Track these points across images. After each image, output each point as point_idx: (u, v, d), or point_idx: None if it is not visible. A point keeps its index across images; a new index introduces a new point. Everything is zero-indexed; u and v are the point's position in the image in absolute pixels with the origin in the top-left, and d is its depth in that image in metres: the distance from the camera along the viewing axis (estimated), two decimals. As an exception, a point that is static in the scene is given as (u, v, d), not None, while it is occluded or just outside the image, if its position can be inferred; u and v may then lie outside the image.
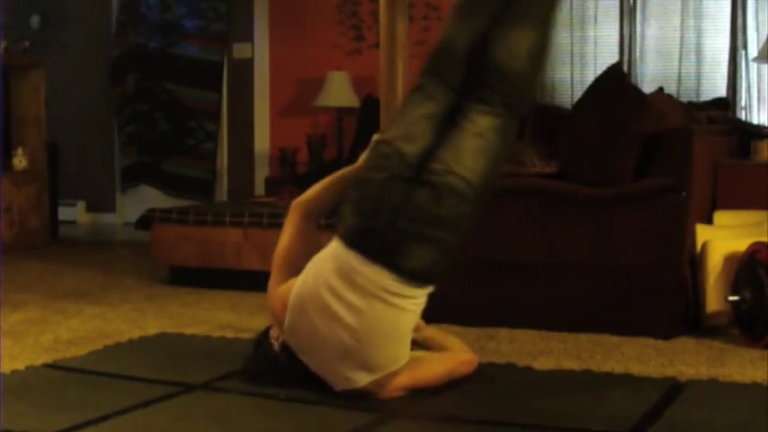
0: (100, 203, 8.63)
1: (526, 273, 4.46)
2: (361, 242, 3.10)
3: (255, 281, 5.38)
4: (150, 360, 3.76)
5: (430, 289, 3.19)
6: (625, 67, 6.64)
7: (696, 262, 4.35)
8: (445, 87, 3.18)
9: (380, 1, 3.80)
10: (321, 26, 7.61)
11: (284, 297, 3.22)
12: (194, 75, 8.15)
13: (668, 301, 4.27)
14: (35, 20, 8.52)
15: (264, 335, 3.34)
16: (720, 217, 4.62)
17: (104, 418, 2.97)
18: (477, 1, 3.24)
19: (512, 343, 4.13)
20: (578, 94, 6.05)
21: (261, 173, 7.84)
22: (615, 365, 3.71)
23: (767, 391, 3.34)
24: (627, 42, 6.79)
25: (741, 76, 6.47)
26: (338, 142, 7.37)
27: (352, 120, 7.30)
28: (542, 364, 3.72)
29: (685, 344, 4.09)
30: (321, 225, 3.63)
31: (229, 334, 4.23)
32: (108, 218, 8.59)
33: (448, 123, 3.13)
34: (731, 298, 4.11)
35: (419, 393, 3.24)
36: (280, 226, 5.40)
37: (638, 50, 6.78)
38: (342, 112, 7.40)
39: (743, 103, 6.48)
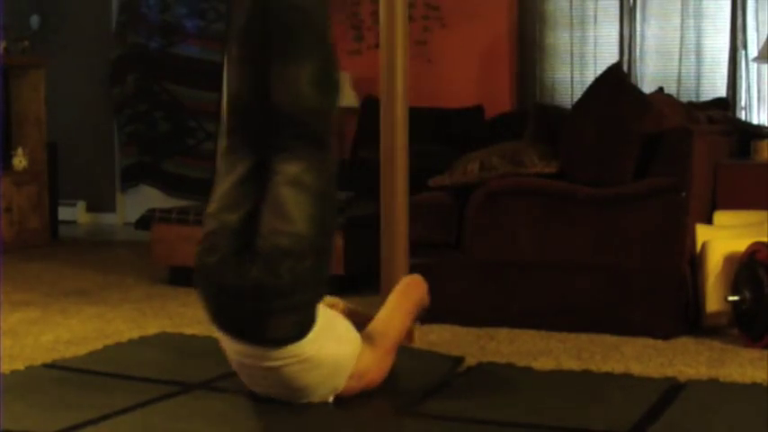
0: (100, 203, 8.62)
1: (526, 273, 4.46)
2: (225, 326, 3.05)
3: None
4: (150, 360, 3.75)
5: (316, 327, 3.01)
6: (625, 67, 6.64)
7: (696, 262, 4.35)
8: (248, 144, 3.01)
9: (380, 1, 3.80)
10: (321, 26, 7.60)
11: None
12: (194, 75, 8.14)
13: (668, 301, 4.27)
14: (35, 20, 8.51)
15: None
16: (720, 217, 4.62)
17: (104, 417, 2.98)
18: (240, 45, 3.05)
19: (512, 343, 4.13)
20: (578, 94, 6.04)
21: (261, 173, 7.83)
22: (615, 365, 3.72)
23: (767, 391, 3.34)
24: (627, 42, 6.79)
25: (741, 76, 6.47)
26: (338, 142, 7.36)
27: (352, 120, 7.30)
28: (542, 364, 3.72)
29: (685, 344, 4.09)
30: None
31: (229, 334, 4.22)
32: (108, 218, 8.58)
33: (261, 181, 2.97)
34: (731, 298, 4.11)
35: (419, 393, 3.24)
36: (280, 226, 5.46)
37: (638, 50, 6.78)
38: (342, 112, 7.39)
39: (743, 103, 6.48)
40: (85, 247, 7.19)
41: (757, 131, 5.42)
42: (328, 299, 3.20)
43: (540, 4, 7.00)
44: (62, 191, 7.85)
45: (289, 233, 2.88)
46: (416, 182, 4.03)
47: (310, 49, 2.96)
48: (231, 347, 3.09)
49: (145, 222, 5.79)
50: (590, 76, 6.48)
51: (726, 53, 6.52)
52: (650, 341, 4.13)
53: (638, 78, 6.73)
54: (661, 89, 5.78)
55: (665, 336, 4.19)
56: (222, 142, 3.13)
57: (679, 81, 6.66)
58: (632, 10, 6.78)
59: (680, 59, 6.68)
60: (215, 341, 4.10)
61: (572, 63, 6.96)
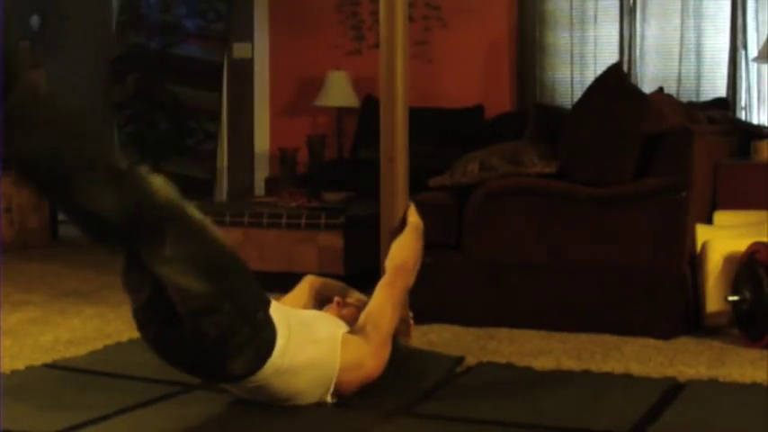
0: (100, 203, 8.62)
1: (526, 273, 4.46)
2: (195, 375, 3.16)
3: (255, 281, 5.39)
4: (150, 360, 3.74)
5: (280, 341, 3.01)
6: (625, 67, 6.64)
7: (696, 262, 4.35)
8: (114, 247, 2.97)
9: (380, 1, 3.80)
10: (321, 26, 7.60)
11: None
12: (194, 75, 8.14)
13: (668, 301, 4.27)
14: (35, 20, 8.52)
15: None
16: (720, 217, 4.62)
17: (104, 418, 2.98)
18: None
19: (512, 343, 4.13)
20: (578, 94, 6.05)
21: (261, 173, 7.83)
22: (615, 365, 3.71)
23: (767, 391, 3.34)
24: (627, 42, 6.79)
25: (741, 76, 6.47)
26: (338, 142, 7.36)
27: (352, 120, 7.29)
28: (542, 364, 3.72)
29: (685, 344, 4.09)
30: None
31: (229, 334, 4.22)
32: (108, 218, 8.57)
33: (141, 268, 2.91)
34: (731, 298, 4.11)
35: (419, 393, 3.24)
36: (279, 226, 5.48)
37: (638, 50, 6.78)
38: (342, 112, 7.40)
39: (743, 103, 6.48)
40: (85, 247, 7.17)
41: (757, 131, 5.42)
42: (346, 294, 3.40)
43: (540, 4, 7.00)
44: (62, 191, 7.85)
45: (192, 297, 2.88)
46: (416, 182, 4.02)
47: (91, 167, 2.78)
48: None
49: (145, 222, 5.78)
50: (590, 76, 6.48)
51: (726, 53, 6.52)
52: (650, 341, 4.13)
53: (638, 78, 6.72)
54: (661, 89, 5.78)
55: (666, 336, 4.19)
56: None
57: (679, 81, 6.66)
58: (632, 10, 6.78)
59: (680, 59, 6.67)
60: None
61: (572, 63, 6.96)
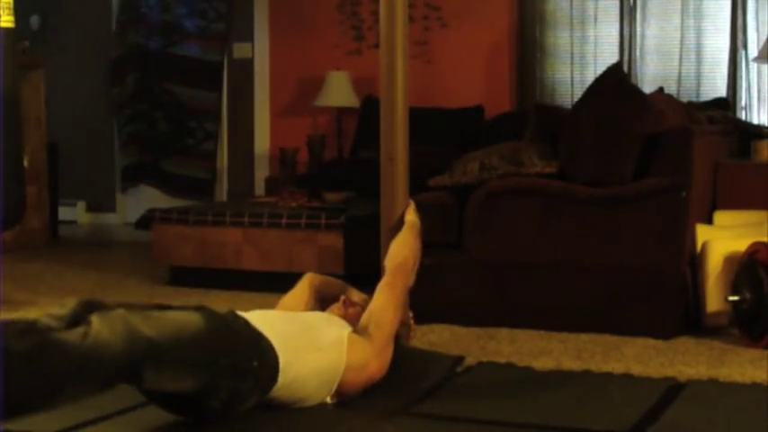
0: (100, 203, 8.62)
1: (526, 273, 4.46)
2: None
3: (255, 281, 5.39)
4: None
5: (282, 362, 2.97)
6: (625, 67, 6.64)
7: (696, 262, 4.35)
8: None
9: (380, 1, 3.80)
10: (321, 26, 7.60)
11: None
12: (194, 75, 8.14)
13: (668, 301, 4.27)
14: (35, 20, 8.52)
15: None
16: (720, 217, 4.62)
17: (104, 418, 2.97)
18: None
19: (512, 343, 4.13)
20: (578, 94, 6.05)
21: (261, 173, 7.83)
22: (615, 365, 3.71)
23: (767, 391, 3.34)
24: (627, 42, 6.79)
25: (741, 76, 6.47)
26: (338, 142, 7.36)
27: (352, 120, 7.29)
28: (542, 364, 3.72)
29: (685, 344, 4.09)
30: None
31: (229, 334, 4.22)
32: (108, 218, 8.58)
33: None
34: (731, 298, 4.11)
35: (419, 393, 3.24)
36: (279, 226, 5.48)
37: (638, 50, 6.78)
38: (342, 112, 7.40)
39: (743, 103, 6.48)
40: (85, 247, 7.19)
41: (757, 131, 5.41)
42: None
43: (540, 4, 7.00)
44: (62, 191, 7.85)
45: (188, 392, 2.82)
46: (416, 182, 4.02)
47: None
48: None
49: (145, 222, 5.79)
50: (590, 76, 6.48)
51: (726, 53, 6.52)
52: (650, 341, 4.13)
53: (638, 78, 6.72)
54: (661, 89, 5.78)
55: (666, 336, 4.19)
56: None
57: (679, 81, 6.66)
58: (632, 10, 6.78)
59: (680, 59, 6.68)
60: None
61: (572, 63, 6.96)
